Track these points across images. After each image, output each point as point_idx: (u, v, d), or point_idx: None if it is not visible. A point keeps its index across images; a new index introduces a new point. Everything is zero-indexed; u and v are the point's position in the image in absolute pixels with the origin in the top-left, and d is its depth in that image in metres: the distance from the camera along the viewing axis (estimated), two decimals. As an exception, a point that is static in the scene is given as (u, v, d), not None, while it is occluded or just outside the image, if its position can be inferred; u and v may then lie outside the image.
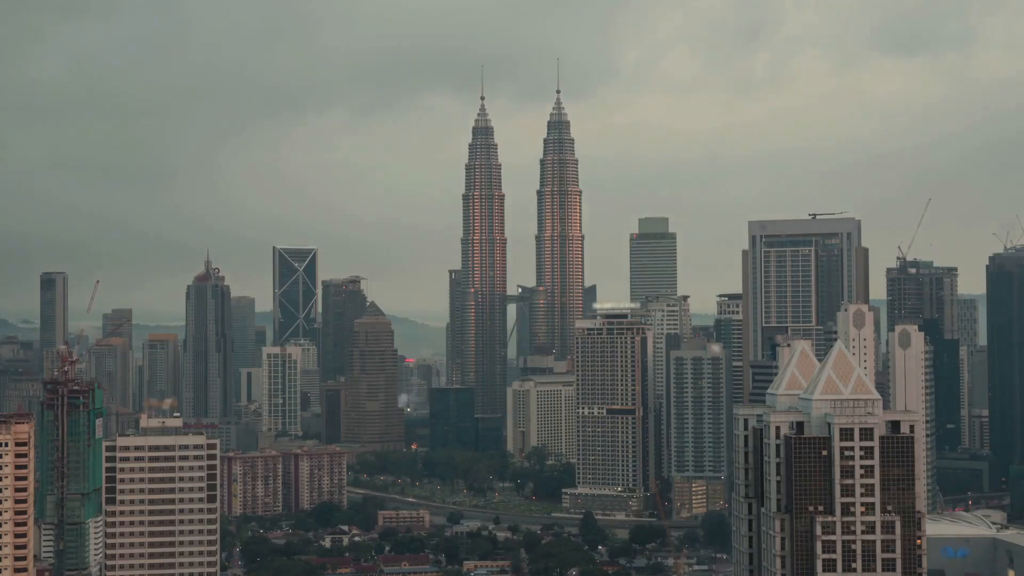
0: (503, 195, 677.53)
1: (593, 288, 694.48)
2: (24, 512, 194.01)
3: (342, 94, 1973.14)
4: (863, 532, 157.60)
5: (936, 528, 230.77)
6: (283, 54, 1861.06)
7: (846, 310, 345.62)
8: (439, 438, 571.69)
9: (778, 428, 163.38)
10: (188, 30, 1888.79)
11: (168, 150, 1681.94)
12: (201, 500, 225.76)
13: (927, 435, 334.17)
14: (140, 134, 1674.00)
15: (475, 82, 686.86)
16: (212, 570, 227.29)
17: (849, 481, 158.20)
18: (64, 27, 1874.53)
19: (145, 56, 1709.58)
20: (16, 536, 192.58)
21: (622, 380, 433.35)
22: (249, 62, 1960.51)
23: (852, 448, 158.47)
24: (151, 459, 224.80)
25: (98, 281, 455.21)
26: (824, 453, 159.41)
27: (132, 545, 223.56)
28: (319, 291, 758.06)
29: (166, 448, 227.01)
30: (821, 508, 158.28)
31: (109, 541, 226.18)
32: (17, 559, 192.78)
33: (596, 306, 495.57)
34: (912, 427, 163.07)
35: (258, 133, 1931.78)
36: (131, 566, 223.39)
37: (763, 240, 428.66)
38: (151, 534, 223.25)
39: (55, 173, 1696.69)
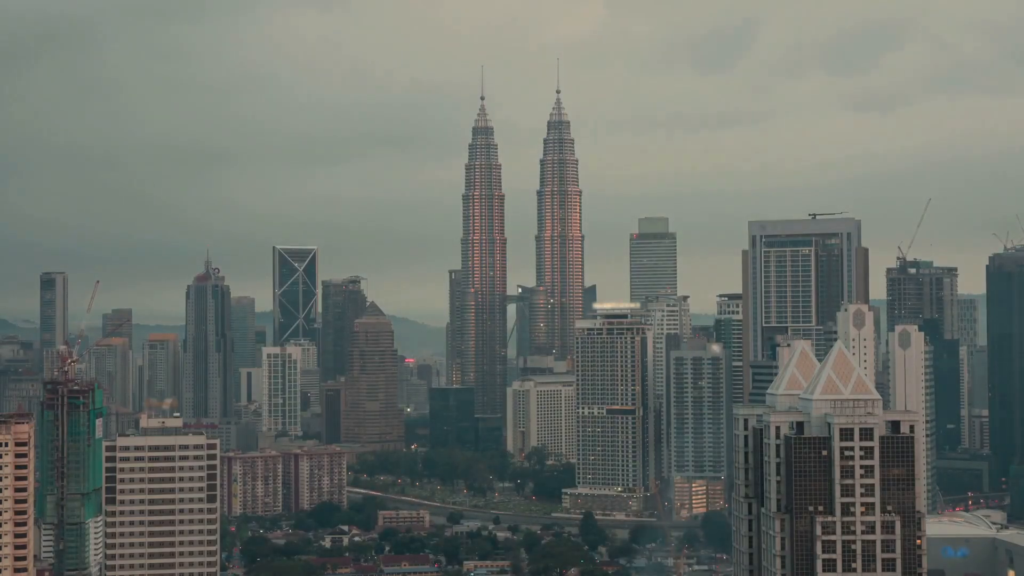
0: (503, 195, 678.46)
1: (593, 288, 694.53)
2: (24, 512, 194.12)
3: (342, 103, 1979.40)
4: (863, 532, 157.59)
5: (936, 528, 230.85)
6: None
7: (846, 310, 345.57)
8: (439, 438, 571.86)
9: (778, 428, 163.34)
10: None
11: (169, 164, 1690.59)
12: (201, 500, 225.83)
13: (927, 435, 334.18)
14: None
15: (475, 82, 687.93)
16: (212, 570, 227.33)
17: (849, 481, 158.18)
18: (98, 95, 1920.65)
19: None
20: (16, 536, 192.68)
21: (622, 380, 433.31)
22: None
23: (852, 448, 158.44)
24: (151, 459, 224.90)
25: (98, 281, 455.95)
26: (824, 453, 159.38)
27: (132, 545, 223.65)
28: (319, 291, 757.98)
29: (166, 448, 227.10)
30: (821, 508, 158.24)
31: (109, 541, 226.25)
32: (17, 559, 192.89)
33: (596, 306, 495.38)
34: (912, 427, 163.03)
35: (259, 135, 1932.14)
36: (131, 566, 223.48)
37: (763, 240, 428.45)
38: (151, 534, 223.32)
39: (58, 178, 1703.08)
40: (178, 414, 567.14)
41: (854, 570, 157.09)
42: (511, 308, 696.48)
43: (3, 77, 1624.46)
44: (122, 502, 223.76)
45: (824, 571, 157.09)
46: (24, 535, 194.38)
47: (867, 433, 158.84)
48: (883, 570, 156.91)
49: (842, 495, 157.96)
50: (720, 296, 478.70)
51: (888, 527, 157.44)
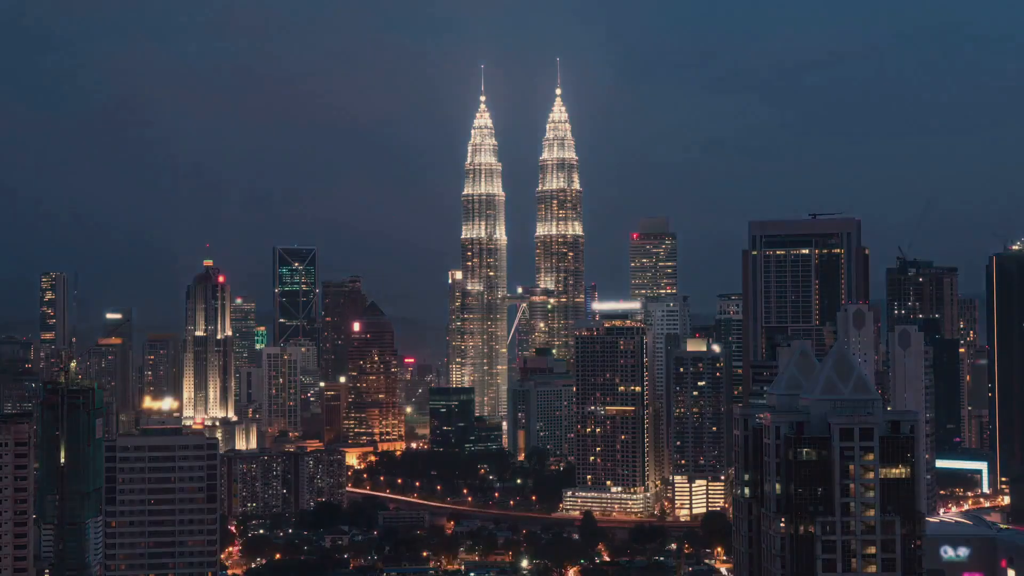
0: (503, 195, 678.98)
1: (593, 288, 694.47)
2: (24, 512, 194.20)
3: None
4: (863, 532, 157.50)
5: (936, 528, 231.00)
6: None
7: (846, 310, 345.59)
8: (439, 438, 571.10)
9: (778, 428, 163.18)
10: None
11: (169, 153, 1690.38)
12: (201, 500, 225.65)
13: (927, 435, 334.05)
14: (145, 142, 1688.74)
15: (475, 81, 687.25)
16: (212, 570, 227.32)
17: (849, 481, 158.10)
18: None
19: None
20: (16, 536, 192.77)
21: (622, 380, 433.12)
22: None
23: (852, 448, 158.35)
24: (151, 459, 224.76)
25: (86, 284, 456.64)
26: (824, 453, 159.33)
27: (132, 545, 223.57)
28: (319, 291, 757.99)
29: (166, 448, 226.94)
30: (821, 508, 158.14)
31: (109, 541, 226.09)
32: (17, 559, 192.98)
33: (596, 306, 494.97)
34: (912, 427, 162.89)
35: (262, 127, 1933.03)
36: (131, 566, 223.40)
37: (763, 240, 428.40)
38: (151, 534, 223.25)
39: (58, 173, 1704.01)
40: (178, 414, 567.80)
41: (854, 570, 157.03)
42: (512, 308, 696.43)
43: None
44: (122, 502, 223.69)
45: (824, 571, 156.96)
46: (24, 535, 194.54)
47: (867, 433, 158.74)
48: (883, 570, 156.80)
49: (842, 495, 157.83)
50: (720, 296, 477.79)
51: (888, 527, 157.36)
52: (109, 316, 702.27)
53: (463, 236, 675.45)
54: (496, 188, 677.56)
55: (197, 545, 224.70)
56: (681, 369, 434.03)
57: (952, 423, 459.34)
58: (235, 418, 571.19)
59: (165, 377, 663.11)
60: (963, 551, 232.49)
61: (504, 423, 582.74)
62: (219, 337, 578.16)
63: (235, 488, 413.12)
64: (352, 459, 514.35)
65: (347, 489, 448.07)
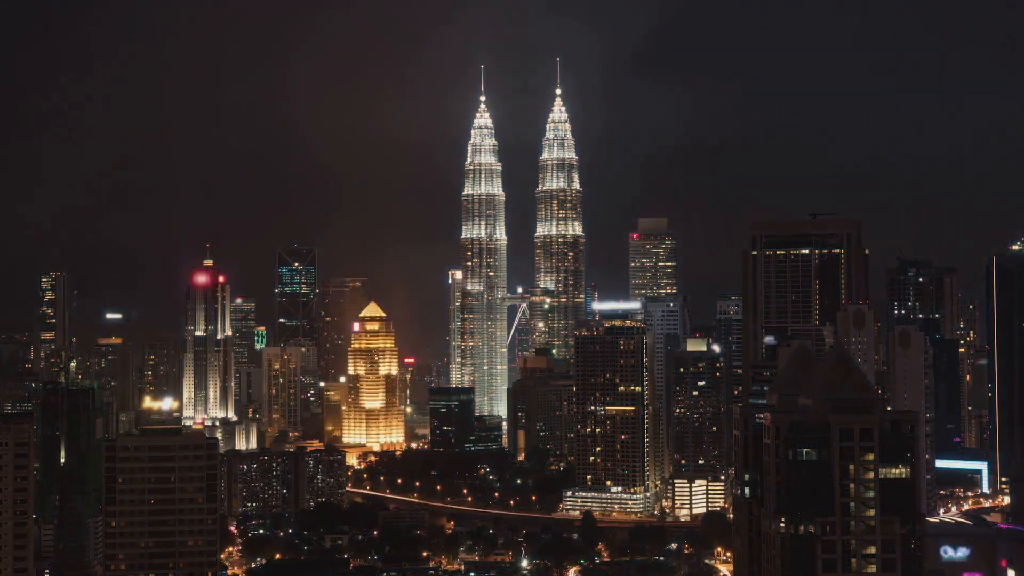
0: (503, 195, 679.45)
1: (593, 288, 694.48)
2: (24, 512, 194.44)
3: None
4: (863, 532, 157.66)
5: (936, 528, 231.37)
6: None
7: (846, 310, 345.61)
8: (439, 438, 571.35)
9: (778, 428, 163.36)
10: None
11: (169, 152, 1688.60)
12: (201, 500, 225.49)
13: (927, 435, 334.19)
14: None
15: (475, 80, 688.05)
16: (212, 570, 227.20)
17: (849, 481, 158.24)
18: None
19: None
20: (16, 536, 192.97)
21: (622, 380, 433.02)
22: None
23: (852, 448, 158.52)
24: (151, 459, 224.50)
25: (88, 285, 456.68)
26: (824, 453, 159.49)
27: (132, 545, 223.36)
28: (319, 291, 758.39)
29: (166, 448, 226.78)
30: (821, 508, 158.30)
31: (109, 541, 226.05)
32: (17, 559, 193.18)
33: (596, 306, 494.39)
34: (912, 427, 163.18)
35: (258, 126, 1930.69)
36: (131, 566, 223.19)
37: (763, 240, 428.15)
38: (151, 534, 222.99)
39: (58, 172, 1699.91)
40: (178, 414, 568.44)
41: (853, 570, 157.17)
42: (511, 308, 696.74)
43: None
44: (122, 502, 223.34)
45: (824, 571, 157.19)
46: (24, 535, 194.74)
47: (867, 433, 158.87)
48: (883, 570, 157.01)
49: (842, 495, 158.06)
50: (720, 296, 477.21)
51: (888, 527, 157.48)
52: (109, 316, 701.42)
53: (463, 236, 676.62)
54: (496, 188, 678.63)
55: (197, 545, 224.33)
56: (681, 369, 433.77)
57: (952, 423, 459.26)
58: (235, 418, 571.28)
59: (165, 377, 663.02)
60: (963, 551, 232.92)
61: (504, 423, 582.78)
62: (219, 337, 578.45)
63: (235, 488, 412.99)
64: (352, 459, 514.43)
65: (347, 489, 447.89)
